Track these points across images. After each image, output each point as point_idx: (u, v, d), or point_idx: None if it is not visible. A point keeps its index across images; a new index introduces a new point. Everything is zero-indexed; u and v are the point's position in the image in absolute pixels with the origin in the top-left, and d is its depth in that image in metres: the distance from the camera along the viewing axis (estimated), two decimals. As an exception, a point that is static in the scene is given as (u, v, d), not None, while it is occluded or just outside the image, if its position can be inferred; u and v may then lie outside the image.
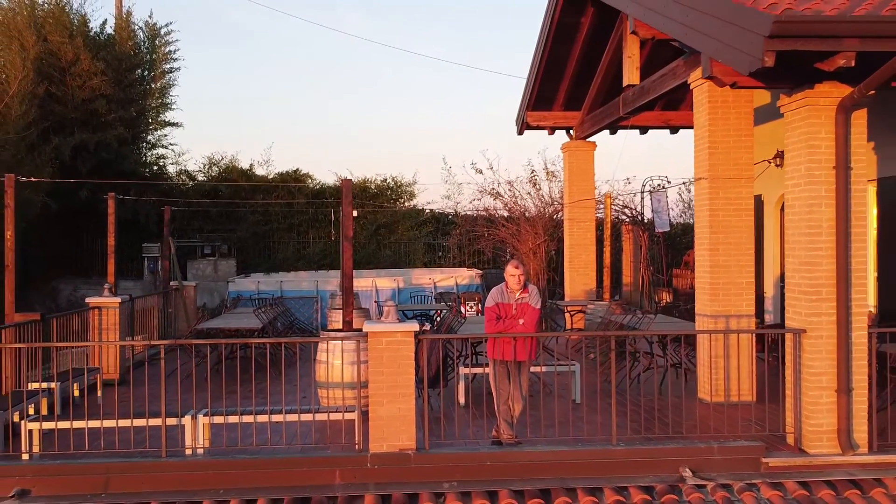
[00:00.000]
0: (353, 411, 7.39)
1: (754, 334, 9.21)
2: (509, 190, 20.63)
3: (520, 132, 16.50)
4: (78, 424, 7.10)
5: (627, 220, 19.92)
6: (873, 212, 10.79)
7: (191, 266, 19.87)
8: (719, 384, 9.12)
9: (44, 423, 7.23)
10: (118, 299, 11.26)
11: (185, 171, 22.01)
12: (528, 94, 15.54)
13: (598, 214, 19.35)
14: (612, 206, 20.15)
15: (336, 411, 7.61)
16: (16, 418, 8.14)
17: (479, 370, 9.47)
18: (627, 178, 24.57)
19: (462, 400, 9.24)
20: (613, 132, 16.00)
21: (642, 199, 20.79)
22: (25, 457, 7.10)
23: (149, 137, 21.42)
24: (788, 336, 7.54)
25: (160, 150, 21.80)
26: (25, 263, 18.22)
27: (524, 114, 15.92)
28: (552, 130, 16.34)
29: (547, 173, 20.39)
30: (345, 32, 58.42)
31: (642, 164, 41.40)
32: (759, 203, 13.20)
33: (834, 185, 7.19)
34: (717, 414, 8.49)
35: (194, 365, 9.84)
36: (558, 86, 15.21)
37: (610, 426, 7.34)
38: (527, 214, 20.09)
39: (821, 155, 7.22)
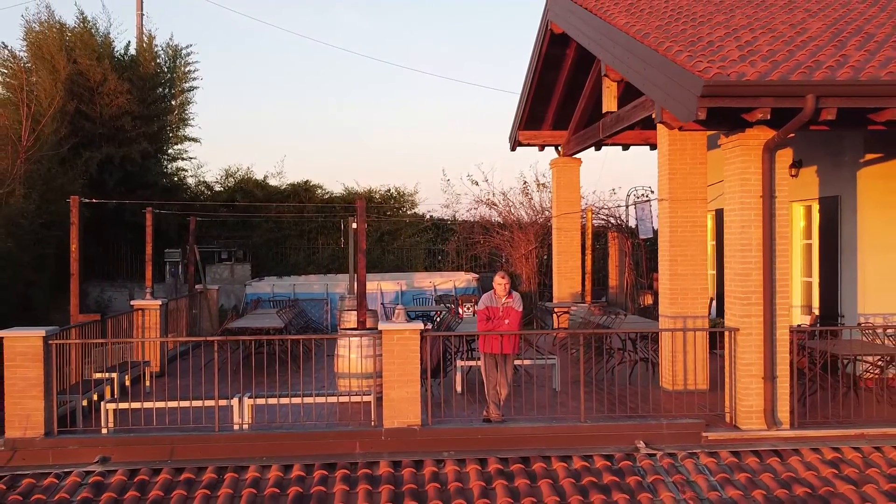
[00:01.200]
0: (370, 395, 9.03)
1: (705, 332, 10.80)
2: (503, 200, 22.31)
3: (512, 148, 18.11)
4: (147, 405, 8.74)
5: (613, 227, 21.54)
6: (816, 226, 12.43)
7: (209, 270, 21.46)
8: (678, 374, 10.76)
9: (119, 404, 8.85)
10: (159, 302, 12.91)
11: (204, 181, 23.66)
12: (520, 114, 17.14)
13: (583, 221, 21.04)
14: (600, 215, 21.79)
15: (356, 395, 9.25)
16: (84, 403, 9.74)
17: (472, 363, 11.10)
18: (613, 189, 26.12)
19: (459, 388, 10.89)
20: (598, 149, 17.60)
21: (627, 208, 22.45)
22: (104, 431, 8.73)
23: (169, 151, 23.04)
24: (726, 333, 9.19)
25: (180, 163, 23.45)
26: (61, 268, 19.84)
27: (516, 132, 17.53)
28: (542, 147, 17.95)
29: (538, 185, 22.06)
30: (339, 47, 59.89)
31: (630, 174, 43.19)
32: (723, 216, 14.79)
33: (763, 211, 8.82)
34: (674, 398, 10.13)
35: (241, 358, 11.42)
36: (547, 107, 16.80)
37: (582, 408, 8.98)
38: (520, 223, 21.74)
39: (751, 186, 8.85)
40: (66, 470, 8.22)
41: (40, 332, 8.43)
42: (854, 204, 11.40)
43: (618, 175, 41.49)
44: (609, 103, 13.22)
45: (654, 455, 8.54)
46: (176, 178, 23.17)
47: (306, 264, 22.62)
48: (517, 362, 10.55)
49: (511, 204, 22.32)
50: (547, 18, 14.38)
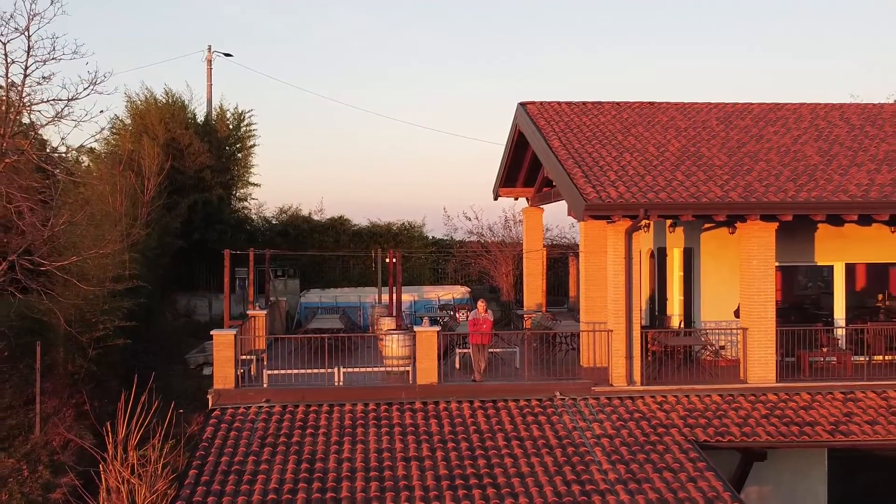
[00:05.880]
0: (409, 367, 16.23)
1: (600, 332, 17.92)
2: (489, 231, 29.56)
3: (495, 198, 25.34)
4: (288, 371, 15.93)
5: (572, 253, 28.74)
6: (682, 265, 19.62)
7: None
8: (590, 357, 17.89)
9: (273, 371, 16.02)
10: (264, 312, 20.06)
11: (264, 217, 30.91)
12: (500, 175, 24.32)
13: (554, 241, 28.25)
14: (562, 242, 28.97)
15: (399, 367, 16.46)
16: (240, 372, 16.77)
17: (465, 350, 18.23)
18: (572, 223, 33.33)
19: (458, 365, 18.06)
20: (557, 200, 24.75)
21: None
22: (265, 385, 15.86)
23: (237, 194, 30.23)
24: (607, 333, 16.36)
25: (245, 203, 30.68)
26: (164, 283, 26.97)
27: (497, 188, 24.72)
28: (517, 198, 25.18)
29: (515, 221, 29.26)
30: (369, 110, 67.43)
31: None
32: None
33: (624, 266, 15.96)
34: (585, 371, 17.30)
35: (322, 345, 18.56)
36: (519, 172, 23.95)
37: (531, 374, 16.17)
38: (501, 249, 28.97)
39: (620, 252, 15.99)
40: (247, 406, 15.36)
41: (232, 332, 15.57)
42: (699, 253, 18.60)
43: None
44: (557, 180, 20.39)
45: (564, 399, 15.73)
46: (241, 215, 30.33)
47: (341, 279, 29.78)
48: (492, 350, 17.70)
49: (496, 234, 29.59)
50: (516, 121, 21.54)
